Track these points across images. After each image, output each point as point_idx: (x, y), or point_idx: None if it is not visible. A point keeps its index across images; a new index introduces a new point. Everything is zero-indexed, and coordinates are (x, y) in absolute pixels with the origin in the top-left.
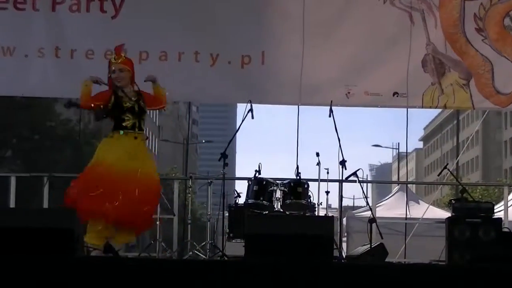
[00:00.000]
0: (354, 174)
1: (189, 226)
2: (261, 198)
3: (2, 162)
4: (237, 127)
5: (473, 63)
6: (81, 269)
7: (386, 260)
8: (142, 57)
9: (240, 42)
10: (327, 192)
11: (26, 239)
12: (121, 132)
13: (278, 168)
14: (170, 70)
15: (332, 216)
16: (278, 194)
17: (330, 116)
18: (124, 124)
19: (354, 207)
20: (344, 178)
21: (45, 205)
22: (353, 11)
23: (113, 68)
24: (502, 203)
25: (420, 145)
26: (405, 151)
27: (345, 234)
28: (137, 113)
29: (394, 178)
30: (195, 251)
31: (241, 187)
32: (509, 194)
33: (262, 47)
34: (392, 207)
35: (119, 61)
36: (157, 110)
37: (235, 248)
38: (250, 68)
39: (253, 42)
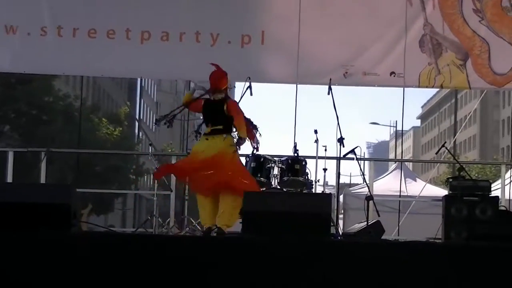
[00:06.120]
0: (352, 151)
1: (186, 202)
2: (259, 175)
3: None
4: None
5: (470, 44)
6: (78, 244)
7: (383, 237)
8: (144, 37)
9: (241, 22)
10: (325, 170)
11: (23, 214)
12: None
13: (276, 145)
14: (171, 50)
15: (330, 193)
16: (276, 171)
17: (328, 94)
18: None
19: (351, 184)
20: (341, 156)
21: (42, 180)
22: None
23: None
24: (499, 181)
25: (418, 123)
26: (401, 129)
27: (342, 211)
28: None
29: (392, 156)
30: (192, 227)
31: None
32: (506, 172)
33: (262, 26)
34: (389, 185)
35: None
36: (155, 87)
37: None
38: (250, 47)
39: (253, 22)
